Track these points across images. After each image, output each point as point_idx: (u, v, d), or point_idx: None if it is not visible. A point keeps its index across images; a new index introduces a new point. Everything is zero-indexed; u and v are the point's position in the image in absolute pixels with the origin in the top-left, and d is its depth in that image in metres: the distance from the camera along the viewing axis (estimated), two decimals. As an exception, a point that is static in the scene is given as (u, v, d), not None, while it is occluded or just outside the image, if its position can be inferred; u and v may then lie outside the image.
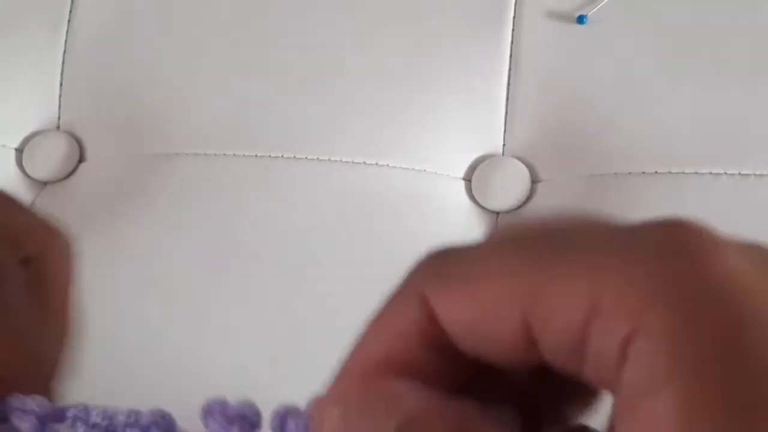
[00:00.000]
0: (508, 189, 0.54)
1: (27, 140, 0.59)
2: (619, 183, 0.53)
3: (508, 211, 0.55)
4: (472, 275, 0.18)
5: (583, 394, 0.19)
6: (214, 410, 0.20)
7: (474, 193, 0.55)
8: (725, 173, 0.51)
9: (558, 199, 0.54)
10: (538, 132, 0.55)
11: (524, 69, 0.56)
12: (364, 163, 0.54)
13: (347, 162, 0.54)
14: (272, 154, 0.55)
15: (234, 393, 0.51)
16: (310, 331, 0.51)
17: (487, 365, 0.18)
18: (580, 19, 0.56)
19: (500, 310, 0.18)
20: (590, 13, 0.56)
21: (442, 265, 0.19)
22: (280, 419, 0.20)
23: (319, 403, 0.19)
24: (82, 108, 0.59)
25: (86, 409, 0.20)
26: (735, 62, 0.54)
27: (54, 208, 0.56)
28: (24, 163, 0.58)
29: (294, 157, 0.55)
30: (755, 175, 0.51)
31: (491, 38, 0.56)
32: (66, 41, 0.60)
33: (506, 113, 0.56)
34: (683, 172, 0.52)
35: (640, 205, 0.52)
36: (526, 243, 0.18)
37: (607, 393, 0.17)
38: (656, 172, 0.52)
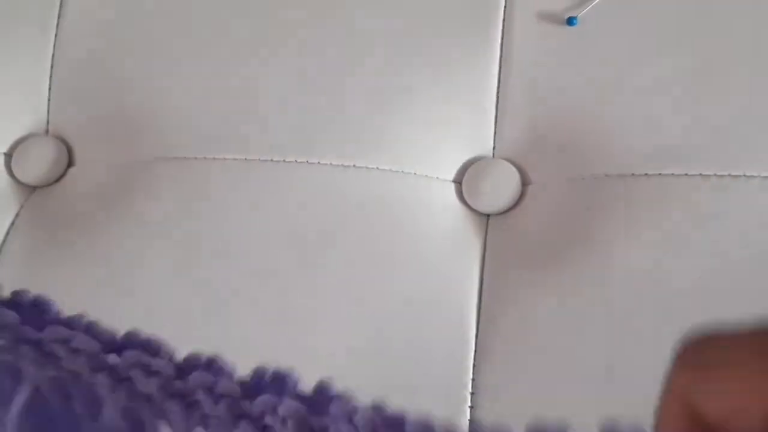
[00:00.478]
0: (499, 191, 0.54)
1: (16, 145, 0.59)
2: (610, 185, 0.53)
3: (498, 214, 0.55)
4: (725, 372, 0.19)
5: None
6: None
7: (464, 195, 0.55)
8: (715, 175, 0.51)
9: (548, 201, 0.54)
10: (528, 134, 0.55)
11: (514, 71, 0.56)
12: (354, 166, 0.54)
13: (337, 165, 0.54)
14: (261, 158, 0.55)
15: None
16: (298, 336, 0.51)
17: None
18: (570, 21, 0.56)
19: (748, 408, 0.18)
20: (580, 14, 0.56)
21: (701, 355, 0.20)
22: None
23: None
24: (70, 112, 0.59)
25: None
26: (727, 64, 0.54)
27: (43, 212, 0.56)
28: (13, 168, 0.58)
29: (284, 160, 0.55)
30: (745, 176, 0.51)
31: (481, 40, 0.56)
32: (54, 45, 0.60)
33: (496, 115, 0.56)
34: (673, 174, 0.52)
35: (631, 207, 0.52)
36: None
37: None
38: (646, 173, 0.52)
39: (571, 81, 0.55)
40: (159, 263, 0.53)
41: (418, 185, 0.54)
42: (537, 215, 0.54)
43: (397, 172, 0.54)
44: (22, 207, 0.57)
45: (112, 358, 0.20)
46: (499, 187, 0.54)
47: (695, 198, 0.51)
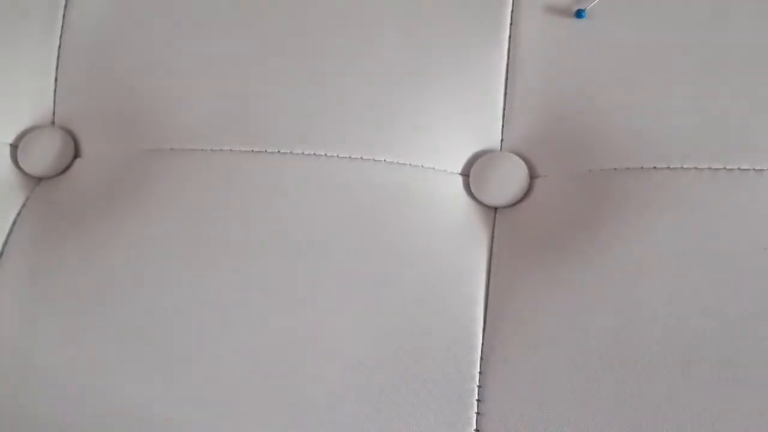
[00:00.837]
0: (507, 184, 0.54)
1: (21, 136, 0.59)
2: (618, 178, 0.52)
3: (506, 207, 0.54)
4: None
5: None
6: None
7: (472, 188, 0.55)
8: (725, 168, 0.51)
9: (556, 195, 0.54)
10: (536, 127, 0.55)
11: (522, 64, 0.56)
12: (360, 158, 0.54)
13: (344, 158, 0.54)
14: (269, 150, 0.55)
15: (229, 389, 0.50)
16: (305, 326, 0.51)
17: None
18: (579, 14, 0.56)
19: None
20: (589, 7, 0.56)
21: None
22: None
23: None
24: (77, 103, 0.59)
25: None
26: (735, 56, 0.53)
27: (49, 204, 0.56)
28: (19, 159, 0.58)
29: (290, 152, 0.54)
30: (755, 170, 0.51)
31: (489, 32, 0.56)
32: (61, 36, 0.60)
33: (504, 108, 0.55)
34: (682, 167, 0.52)
35: (639, 201, 0.51)
36: None
37: None
38: (655, 167, 0.52)
39: (580, 74, 0.55)
40: (163, 255, 0.53)
41: (426, 178, 0.54)
42: (545, 208, 0.54)
43: (404, 164, 0.54)
44: (28, 198, 0.57)
45: None
46: (507, 181, 0.54)
47: (704, 192, 0.51)
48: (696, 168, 0.51)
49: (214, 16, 0.58)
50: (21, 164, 0.58)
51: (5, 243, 0.55)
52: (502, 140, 0.55)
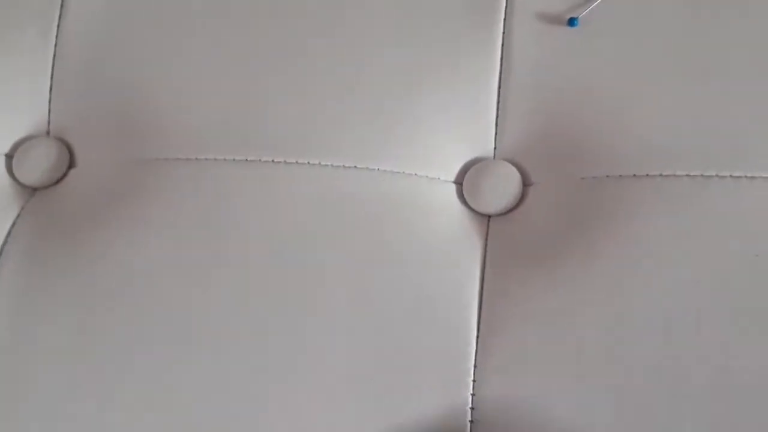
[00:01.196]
0: (500, 192, 0.54)
1: (17, 146, 0.59)
2: (611, 186, 0.52)
3: (499, 214, 0.55)
4: None
5: None
6: None
7: (465, 196, 0.55)
8: (717, 175, 0.51)
9: (550, 202, 0.54)
10: (529, 135, 0.55)
11: (515, 72, 0.56)
12: (355, 167, 0.54)
13: (338, 166, 0.54)
14: (263, 159, 0.55)
15: (227, 400, 0.50)
16: (299, 334, 0.51)
17: None
18: (571, 22, 0.56)
19: None
20: (581, 15, 0.56)
21: None
22: None
23: None
24: (72, 113, 0.59)
25: None
26: (727, 65, 0.54)
27: (44, 214, 0.56)
28: (14, 169, 0.58)
29: (284, 161, 0.55)
30: (747, 177, 0.51)
31: (481, 41, 0.56)
32: (56, 46, 0.60)
33: (497, 116, 0.56)
34: (675, 175, 0.52)
35: (632, 208, 0.52)
36: None
37: None
38: (647, 174, 0.52)
39: (573, 82, 0.55)
40: (159, 264, 0.53)
41: (420, 186, 0.54)
42: (538, 216, 0.54)
43: (398, 173, 0.54)
44: (22, 208, 0.57)
45: None
46: (500, 188, 0.54)
47: (697, 199, 0.51)
48: (688, 175, 0.52)
49: (209, 27, 0.58)
50: (16, 174, 0.58)
51: (0, 253, 0.55)
52: (495, 148, 0.56)
